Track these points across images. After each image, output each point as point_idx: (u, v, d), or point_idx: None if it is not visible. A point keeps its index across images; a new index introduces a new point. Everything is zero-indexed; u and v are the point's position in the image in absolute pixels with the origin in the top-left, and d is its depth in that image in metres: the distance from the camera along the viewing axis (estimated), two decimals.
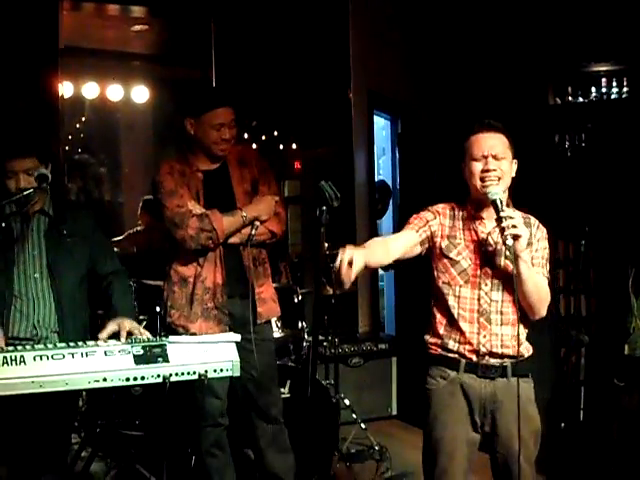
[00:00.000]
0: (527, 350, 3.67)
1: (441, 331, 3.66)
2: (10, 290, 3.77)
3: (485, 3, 6.83)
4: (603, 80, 6.66)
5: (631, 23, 6.26)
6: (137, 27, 8.26)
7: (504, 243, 3.42)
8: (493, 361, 3.58)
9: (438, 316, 3.68)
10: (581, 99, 6.76)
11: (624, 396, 5.28)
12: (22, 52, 6.08)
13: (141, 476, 5.21)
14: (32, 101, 6.10)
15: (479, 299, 3.59)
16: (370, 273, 7.89)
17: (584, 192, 6.27)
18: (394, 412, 7.16)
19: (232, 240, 4.38)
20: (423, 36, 7.52)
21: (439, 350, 3.67)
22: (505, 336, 3.57)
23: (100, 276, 4.00)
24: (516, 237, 3.39)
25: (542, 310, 3.60)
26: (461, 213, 3.71)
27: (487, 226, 3.64)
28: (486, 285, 3.59)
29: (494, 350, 3.57)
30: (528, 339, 3.70)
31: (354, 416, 6.02)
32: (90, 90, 8.92)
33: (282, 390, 5.02)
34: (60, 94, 6.73)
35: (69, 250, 3.89)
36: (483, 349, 3.57)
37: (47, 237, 3.87)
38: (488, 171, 3.54)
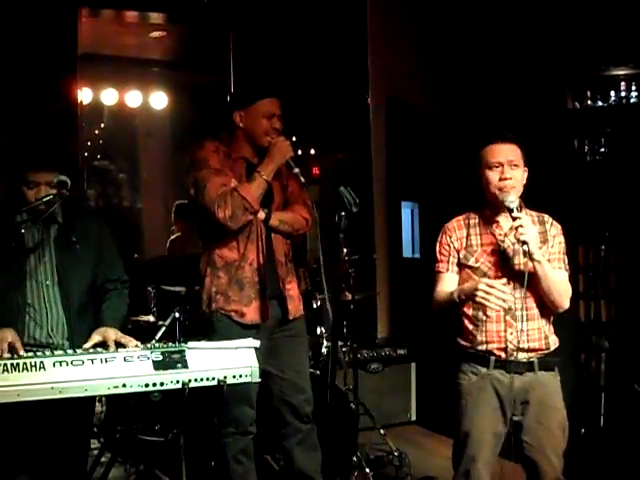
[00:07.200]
0: (554, 343, 3.85)
1: (471, 333, 3.83)
2: (24, 299, 3.77)
3: (503, 8, 6.80)
4: (622, 84, 6.62)
5: None
6: (155, 33, 8.30)
7: (521, 245, 3.62)
8: (521, 357, 3.75)
9: (466, 319, 3.85)
10: (600, 103, 6.72)
11: None
12: (41, 59, 6.10)
13: None
14: (51, 108, 6.13)
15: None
16: (388, 278, 7.89)
17: (604, 197, 6.24)
18: (413, 418, 7.14)
19: (284, 228, 4.41)
20: (441, 42, 7.51)
21: (469, 350, 3.85)
22: (531, 331, 3.76)
23: (99, 282, 3.98)
24: (524, 242, 3.59)
25: (565, 303, 3.79)
26: (476, 220, 3.91)
27: (504, 228, 3.83)
28: (508, 284, 3.74)
29: (521, 346, 3.74)
30: (555, 332, 3.88)
31: (373, 422, 6.01)
32: (109, 96, 8.98)
33: None
34: (79, 100, 6.77)
35: (78, 257, 3.86)
36: (511, 346, 3.74)
37: (56, 244, 3.86)
38: (505, 179, 3.73)
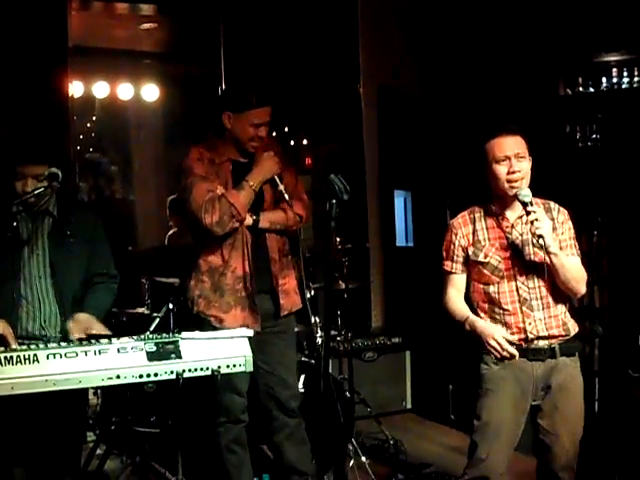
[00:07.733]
0: (573, 328, 3.87)
1: None
2: (17, 291, 3.78)
3: None
4: (614, 70, 6.61)
5: None
6: (146, 25, 8.28)
7: (537, 239, 3.63)
8: (542, 344, 3.78)
9: (484, 313, 3.87)
10: (592, 89, 6.71)
11: (638, 387, 5.26)
12: (31, 52, 6.09)
13: (156, 473, 5.23)
14: (42, 101, 6.11)
15: (517, 290, 3.78)
16: (382, 267, 7.89)
17: (596, 183, 6.24)
18: (409, 406, 7.16)
19: (275, 228, 4.44)
20: (433, 29, 7.49)
21: None
22: (548, 318, 3.78)
23: (88, 276, 3.98)
24: (540, 236, 3.60)
25: (582, 288, 3.84)
26: (481, 213, 3.91)
27: (510, 219, 3.83)
28: (521, 275, 3.78)
29: (541, 334, 3.76)
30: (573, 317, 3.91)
31: (369, 410, 6.02)
32: (100, 89, 8.95)
33: None
34: (70, 94, 6.75)
35: (71, 251, 3.88)
36: (531, 335, 3.76)
37: (50, 237, 3.87)
38: (514, 173, 3.71)
